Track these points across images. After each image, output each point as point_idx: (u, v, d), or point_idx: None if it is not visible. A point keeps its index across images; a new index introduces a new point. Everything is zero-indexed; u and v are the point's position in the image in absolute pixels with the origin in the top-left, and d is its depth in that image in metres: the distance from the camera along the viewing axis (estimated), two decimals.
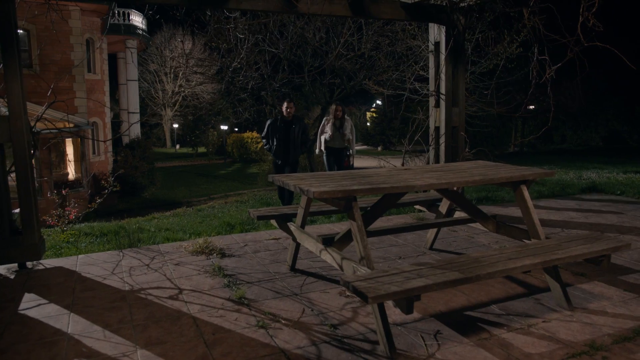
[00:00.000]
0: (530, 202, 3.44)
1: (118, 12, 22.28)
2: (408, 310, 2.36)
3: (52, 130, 12.81)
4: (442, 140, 5.69)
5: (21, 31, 16.18)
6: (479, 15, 5.85)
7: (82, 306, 3.36)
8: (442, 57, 5.53)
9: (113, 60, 25.73)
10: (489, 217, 3.74)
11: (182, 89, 38.09)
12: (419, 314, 3.17)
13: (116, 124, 29.83)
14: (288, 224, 3.80)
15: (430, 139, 5.92)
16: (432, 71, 5.76)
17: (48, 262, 4.37)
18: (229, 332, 2.95)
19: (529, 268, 2.69)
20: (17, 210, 7.25)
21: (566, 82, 22.61)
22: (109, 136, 22.57)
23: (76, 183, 14.09)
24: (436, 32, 5.63)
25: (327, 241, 3.23)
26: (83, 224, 7.27)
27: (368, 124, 43.00)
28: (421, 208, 4.56)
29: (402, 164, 6.31)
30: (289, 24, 9.88)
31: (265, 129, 6.85)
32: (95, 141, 19.80)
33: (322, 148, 7.70)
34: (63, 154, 15.41)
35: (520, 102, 23.50)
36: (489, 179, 3.28)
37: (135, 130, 25.45)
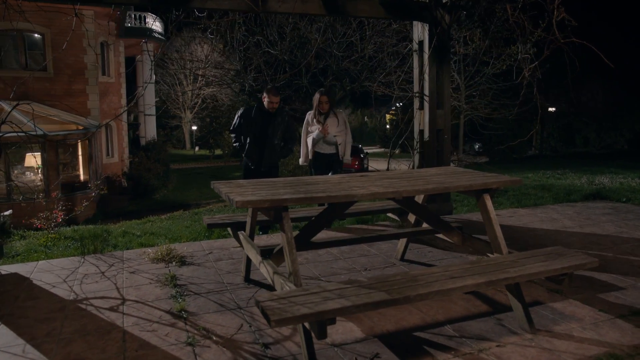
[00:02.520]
0: (492, 213, 3.16)
1: (134, 15, 22.54)
2: (320, 335, 2.13)
3: (59, 133, 12.94)
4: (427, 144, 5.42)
5: (37, 35, 16.52)
6: (466, 12, 5.55)
7: (17, 317, 3.23)
8: (426, 56, 5.26)
9: (132, 63, 26.08)
10: (453, 229, 3.46)
11: (202, 91, 38.41)
12: (363, 334, 2.92)
13: (134, 125, 30.25)
14: (239, 232, 3.60)
15: (415, 143, 5.64)
16: (416, 71, 5.50)
17: (5, 268, 4.27)
18: (154, 349, 2.77)
19: (471, 289, 2.43)
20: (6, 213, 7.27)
21: (588, 83, 21.79)
22: (125, 138, 22.86)
23: (85, 185, 14.23)
24: (420, 31, 5.37)
25: (266, 253, 3.02)
26: (69, 227, 7.21)
27: (387, 126, 42.59)
28: (393, 216, 4.30)
29: (387, 169, 6.05)
30: (286, 24, 9.72)
31: (236, 120, 5.29)
32: (103, 143, 20.01)
33: (309, 157, 5.64)
34: (75, 155, 15.59)
35: (540, 105, 22.86)
36: (445, 187, 3.02)
37: (152, 132, 25.72)
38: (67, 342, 2.86)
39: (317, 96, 5.56)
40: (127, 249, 4.94)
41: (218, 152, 37.34)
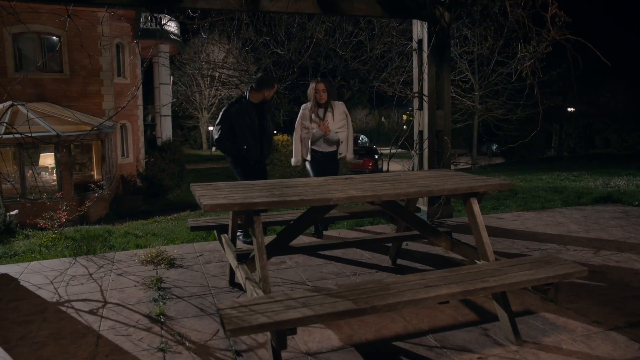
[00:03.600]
0: (480, 218, 3.03)
1: (150, 17, 22.77)
2: (279, 345, 2.04)
3: (72, 133, 13.09)
4: (426, 145, 5.28)
5: (54, 37, 16.80)
6: (467, 10, 5.39)
7: None
8: (425, 55, 5.12)
9: (149, 64, 26.34)
10: (441, 234, 3.34)
11: (218, 92, 38.60)
12: (341, 342, 2.82)
13: (152, 126, 30.59)
14: (222, 236, 3.53)
15: (415, 144, 5.51)
16: (415, 71, 5.36)
17: None
18: (124, 355, 2.71)
19: (444, 299, 2.31)
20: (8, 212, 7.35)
21: (608, 83, 21.20)
22: (141, 139, 23.12)
23: (99, 185, 14.39)
24: (419, 29, 5.23)
25: (242, 258, 2.94)
26: (72, 227, 7.24)
27: (405, 126, 42.21)
28: (383, 219, 4.19)
29: (387, 170, 5.92)
30: (292, 24, 9.65)
31: (222, 116, 4.78)
32: (116, 144, 20.24)
33: (304, 155, 4.93)
34: (89, 156, 15.80)
35: (558, 105, 22.31)
36: (428, 190, 2.90)
37: (167, 133, 25.95)
38: (40, 345, 2.83)
39: (312, 85, 4.81)
40: (123, 249, 4.93)
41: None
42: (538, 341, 2.82)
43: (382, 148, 30.37)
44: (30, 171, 13.24)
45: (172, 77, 30.22)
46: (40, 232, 6.72)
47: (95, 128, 6.35)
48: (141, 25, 21.11)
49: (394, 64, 8.42)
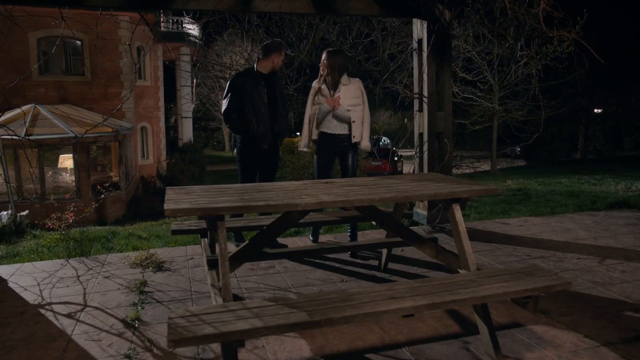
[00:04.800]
0: (462, 225, 2.88)
1: (171, 20, 23.07)
2: (227, 358, 1.95)
3: (90, 135, 13.30)
4: (426, 147, 5.13)
5: (77, 41, 17.17)
6: (470, 7, 5.20)
7: None
8: (424, 55, 4.97)
9: (170, 66, 26.70)
10: (426, 241, 3.20)
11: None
12: (312, 354, 2.72)
13: (174, 128, 30.98)
14: (202, 239, 3.47)
15: (415, 146, 5.36)
16: (415, 71, 5.21)
17: None
18: None
19: (408, 312, 2.18)
20: (5, 213, 7.48)
21: (637, 83, 20.43)
22: (163, 140, 23.46)
23: (117, 185, 14.62)
24: (419, 29, 5.08)
25: (212, 263, 2.87)
26: (80, 228, 7.31)
27: None
28: (374, 223, 4.06)
29: (400, 171, 5.77)
30: (301, 25, 9.58)
31: (230, 86, 4.22)
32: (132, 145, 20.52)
33: (313, 137, 4.37)
34: (108, 157, 16.08)
35: (584, 107, 21.62)
36: (405, 196, 2.77)
37: (188, 134, 26.25)
38: (9, 349, 2.81)
39: (324, 56, 4.33)
40: (120, 251, 4.93)
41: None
42: (520, 357, 2.66)
43: (405, 150, 30.05)
44: (50, 172, 13.55)
45: (195, 79, 30.58)
46: (47, 232, 6.81)
47: (89, 130, 6.38)
48: (161, 28, 21.40)
49: (398, 64, 8.26)
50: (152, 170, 20.48)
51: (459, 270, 2.95)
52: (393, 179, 3.33)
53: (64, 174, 14.01)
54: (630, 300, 3.41)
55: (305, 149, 4.49)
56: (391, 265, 4.10)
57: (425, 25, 4.93)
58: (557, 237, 5.04)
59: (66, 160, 13.50)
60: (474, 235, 5.11)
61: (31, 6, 4.11)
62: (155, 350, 2.78)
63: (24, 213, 8.12)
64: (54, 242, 5.61)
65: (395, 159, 23.12)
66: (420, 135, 5.21)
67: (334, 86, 4.30)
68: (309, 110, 4.43)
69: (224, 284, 2.39)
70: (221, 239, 2.47)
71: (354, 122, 4.27)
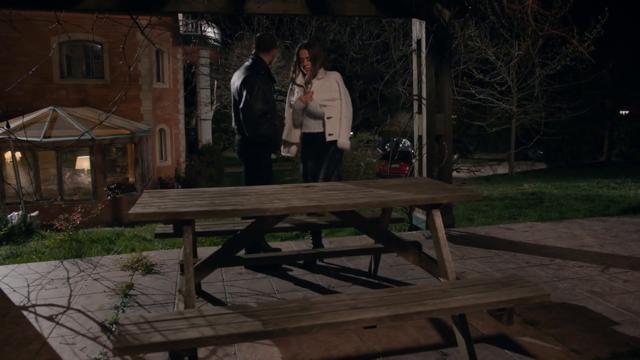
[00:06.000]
0: (441, 232, 2.77)
1: (191, 24, 23.33)
2: None
3: (106, 137, 13.56)
4: (425, 150, 5.00)
5: (97, 45, 17.51)
6: (471, 7, 5.06)
7: None
8: (423, 55, 4.85)
9: (190, 69, 27.01)
10: (409, 247, 3.09)
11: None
12: None
13: (194, 130, 31.28)
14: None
15: (414, 149, 5.23)
16: (415, 72, 5.09)
17: None
18: None
19: (369, 323, 2.09)
20: (16, 214, 7.61)
21: None
22: (182, 143, 23.75)
23: (133, 187, 14.82)
24: (417, 29, 4.97)
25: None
26: (93, 229, 7.37)
27: None
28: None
29: (410, 174, 5.66)
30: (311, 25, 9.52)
31: (258, 85, 3.80)
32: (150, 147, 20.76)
33: (293, 139, 4.12)
34: (125, 159, 16.31)
35: (609, 107, 20.98)
36: (380, 201, 2.67)
37: (207, 136, 26.49)
38: None
39: (302, 52, 3.93)
40: (118, 253, 4.96)
41: (274, 155, 37.81)
42: None
43: None
44: (68, 173, 13.82)
45: (215, 81, 30.89)
46: (55, 233, 6.91)
47: (87, 131, 6.43)
48: (181, 31, 21.65)
49: (401, 65, 8.12)
50: (171, 172, 20.71)
51: (440, 279, 2.84)
52: (377, 183, 3.23)
53: (81, 175, 14.27)
54: (628, 312, 3.23)
55: (286, 154, 4.23)
56: (386, 271, 4.00)
57: (423, 25, 4.81)
58: (561, 243, 4.85)
59: (83, 162, 13.75)
60: (475, 241, 4.96)
61: (27, 10, 4.15)
62: (126, 355, 2.75)
63: (34, 214, 8.27)
64: (58, 243, 5.66)
65: (414, 161, 22.83)
66: (420, 137, 5.08)
67: (310, 80, 3.98)
68: (288, 110, 4.16)
69: (187, 290, 2.34)
70: (186, 243, 2.42)
71: (329, 118, 3.88)
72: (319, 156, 4.05)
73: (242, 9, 4.34)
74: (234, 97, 4.11)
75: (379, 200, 2.67)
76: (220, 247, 2.87)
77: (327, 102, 3.89)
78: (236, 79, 4.06)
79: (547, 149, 20.31)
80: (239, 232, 2.82)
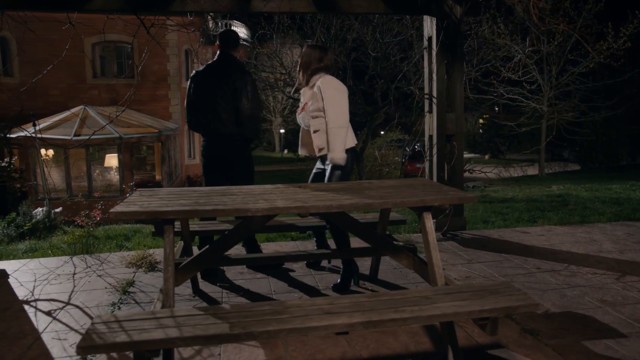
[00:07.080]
0: (432, 236, 2.67)
1: (219, 24, 23.60)
2: None
3: (134, 135, 13.86)
4: (435, 151, 4.87)
5: (129, 46, 17.94)
6: (484, 3, 4.89)
7: None
8: (433, 53, 4.73)
9: None
10: (402, 251, 3.00)
11: (294, 95, 39.17)
12: None
13: None
14: (180, 242, 3.44)
15: (426, 150, 5.11)
16: (426, 71, 4.96)
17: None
18: None
19: (341, 329, 2.02)
20: (41, 209, 7.83)
21: None
22: None
23: (159, 184, 15.13)
24: (429, 26, 4.84)
25: (174, 265, 2.81)
26: (108, 226, 7.51)
27: (480, 130, 40.36)
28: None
29: (399, 176, 5.54)
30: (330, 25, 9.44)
31: (255, 86, 3.90)
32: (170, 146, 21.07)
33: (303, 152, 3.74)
34: (153, 157, 16.65)
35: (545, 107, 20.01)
36: (366, 203, 2.59)
37: None
38: None
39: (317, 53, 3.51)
40: (130, 250, 5.03)
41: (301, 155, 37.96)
42: None
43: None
44: (97, 171, 14.22)
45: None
46: (76, 229, 7.09)
47: (97, 131, 6.55)
48: (210, 32, 21.95)
49: (412, 63, 7.93)
50: (199, 170, 21.02)
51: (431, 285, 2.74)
52: (372, 184, 3.15)
53: (110, 172, 14.65)
54: (637, 325, 3.04)
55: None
56: (388, 274, 3.91)
57: (434, 22, 4.68)
58: (577, 248, 4.63)
59: (111, 160, 14.11)
60: (486, 244, 4.81)
61: (39, 11, 4.26)
62: (88, 354, 2.76)
63: (58, 210, 8.53)
64: (76, 238, 5.80)
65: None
66: (430, 137, 4.96)
67: (302, 89, 3.66)
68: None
69: (165, 289, 2.33)
70: (166, 243, 2.41)
71: (315, 132, 3.42)
72: (325, 170, 3.60)
73: (248, 7, 4.32)
74: (215, 95, 3.84)
75: (366, 202, 2.59)
76: (206, 247, 2.85)
77: (317, 113, 3.41)
78: (215, 78, 3.84)
79: (581, 150, 19.52)
80: (226, 232, 2.80)
